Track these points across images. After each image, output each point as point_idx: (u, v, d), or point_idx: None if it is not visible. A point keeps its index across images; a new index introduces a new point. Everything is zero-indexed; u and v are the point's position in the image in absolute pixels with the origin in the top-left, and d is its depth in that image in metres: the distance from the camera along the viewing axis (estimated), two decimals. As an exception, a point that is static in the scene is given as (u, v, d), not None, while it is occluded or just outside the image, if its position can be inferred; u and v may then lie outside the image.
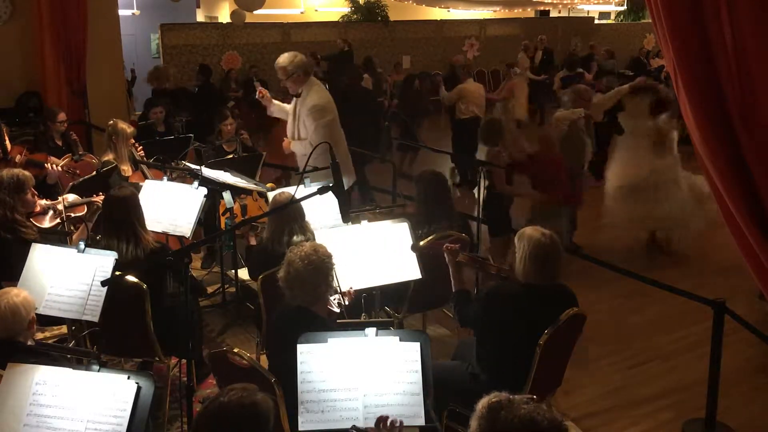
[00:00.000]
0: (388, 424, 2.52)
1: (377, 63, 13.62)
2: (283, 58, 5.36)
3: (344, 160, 5.40)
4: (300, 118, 5.46)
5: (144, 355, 3.96)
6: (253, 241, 5.54)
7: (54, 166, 5.44)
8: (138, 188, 4.67)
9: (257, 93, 5.81)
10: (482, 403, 1.95)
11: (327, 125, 5.32)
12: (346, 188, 5.36)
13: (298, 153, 5.56)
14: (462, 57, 11.82)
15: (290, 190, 4.66)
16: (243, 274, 5.31)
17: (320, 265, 3.04)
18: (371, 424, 2.57)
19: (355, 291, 3.65)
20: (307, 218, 4.20)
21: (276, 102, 5.81)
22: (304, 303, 3.06)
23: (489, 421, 1.91)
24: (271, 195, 5.04)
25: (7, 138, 5.74)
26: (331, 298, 3.26)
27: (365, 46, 15.61)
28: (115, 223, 3.94)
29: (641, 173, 6.35)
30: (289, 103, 5.69)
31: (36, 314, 3.11)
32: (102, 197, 4.79)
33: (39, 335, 3.77)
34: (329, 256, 3.11)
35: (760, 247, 2.41)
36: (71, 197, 4.68)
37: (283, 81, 5.47)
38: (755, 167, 2.36)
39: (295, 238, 4.01)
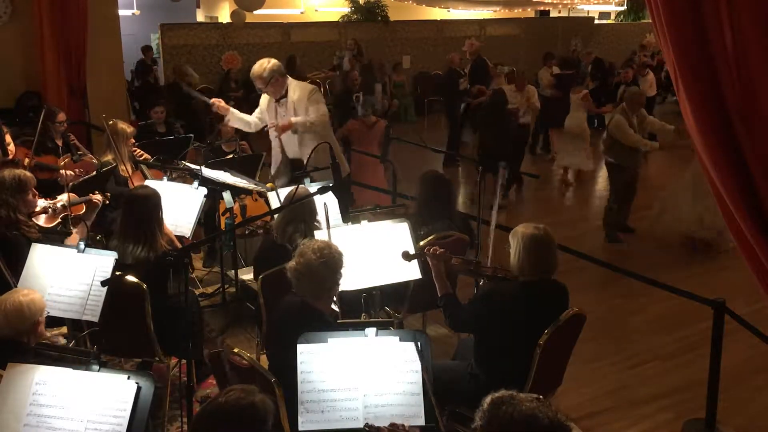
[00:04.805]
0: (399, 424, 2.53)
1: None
2: (257, 68, 5.41)
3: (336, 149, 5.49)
4: (294, 114, 5.48)
5: (144, 355, 3.96)
6: None
7: (67, 170, 5.43)
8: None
9: (211, 105, 5.71)
10: (487, 399, 1.98)
11: (322, 101, 5.53)
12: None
13: (302, 143, 5.53)
14: (457, 55, 11.45)
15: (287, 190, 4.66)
16: (243, 274, 5.31)
17: (331, 261, 3.07)
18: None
19: (355, 291, 3.65)
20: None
21: (233, 110, 5.78)
22: (309, 297, 3.08)
23: (491, 415, 1.93)
24: (271, 195, 5.04)
25: (11, 139, 5.73)
26: None
27: (365, 46, 15.61)
28: (135, 221, 3.93)
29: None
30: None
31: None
32: (99, 195, 4.79)
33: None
34: (341, 254, 3.14)
35: (760, 247, 2.41)
36: (68, 196, 4.67)
37: (264, 89, 5.50)
38: (755, 167, 2.36)
39: (297, 234, 4.00)
